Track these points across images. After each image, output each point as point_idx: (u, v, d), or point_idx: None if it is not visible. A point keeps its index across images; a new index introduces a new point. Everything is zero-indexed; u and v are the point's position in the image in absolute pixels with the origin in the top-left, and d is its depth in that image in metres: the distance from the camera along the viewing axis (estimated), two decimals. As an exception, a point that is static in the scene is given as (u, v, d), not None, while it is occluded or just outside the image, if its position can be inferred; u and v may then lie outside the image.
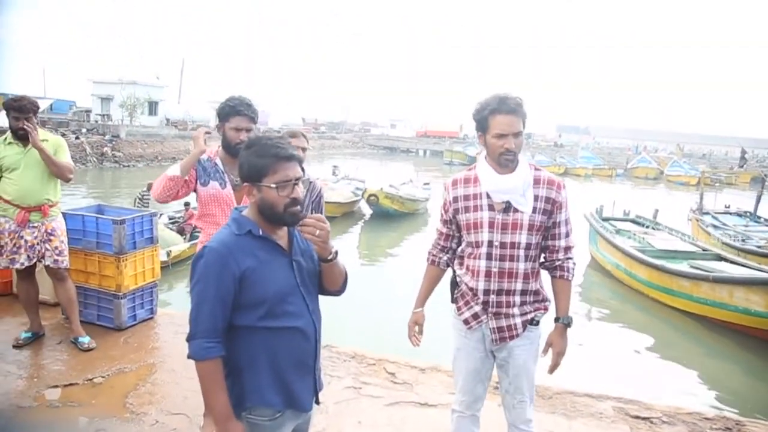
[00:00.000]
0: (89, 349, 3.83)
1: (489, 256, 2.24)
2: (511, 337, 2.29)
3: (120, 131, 30.72)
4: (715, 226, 14.10)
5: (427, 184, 20.96)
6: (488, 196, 2.25)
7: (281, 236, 1.76)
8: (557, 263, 2.31)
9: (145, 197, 11.14)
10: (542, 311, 2.33)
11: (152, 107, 38.56)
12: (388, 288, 9.87)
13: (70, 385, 3.38)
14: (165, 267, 7.90)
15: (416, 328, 2.50)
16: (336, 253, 1.78)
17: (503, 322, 2.27)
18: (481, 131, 2.24)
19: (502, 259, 2.23)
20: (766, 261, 9.99)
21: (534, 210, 2.22)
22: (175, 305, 7.42)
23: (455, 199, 2.33)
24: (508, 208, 2.22)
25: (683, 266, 9.17)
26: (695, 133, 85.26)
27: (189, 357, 1.63)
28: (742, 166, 35.69)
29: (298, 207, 1.70)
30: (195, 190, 2.86)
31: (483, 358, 2.36)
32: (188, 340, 1.64)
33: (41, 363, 3.66)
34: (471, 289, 2.30)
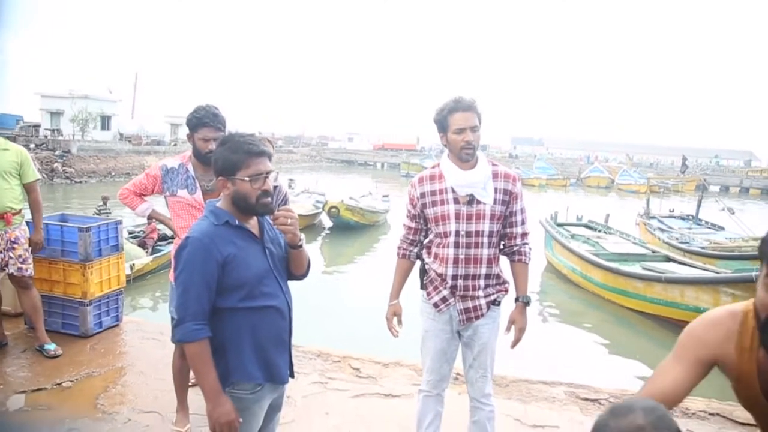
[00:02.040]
0: (55, 356, 3.84)
1: (456, 245, 2.45)
2: (477, 317, 2.50)
3: (71, 146, 29.92)
4: (661, 229, 14.86)
5: (386, 196, 21.22)
6: (453, 191, 2.46)
7: (253, 225, 1.93)
8: (515, 248, 2.55)
9: (102, 211, 10.96)
10: (503, 293, 2.56)
11: (105, 122, 37.74)
12: (351, 295, 10.03)
13: (38, 390, 3.40)
14: (126, 281, 7.82)
15: (395, 320, 2.67)
16: (303, 239, 1.97)
17: (469, 304, 2.49)
18: (442, 131, 2.46)
19: (468, 246, 2.45)
20: (710, 261, 10.61)
21: (494, 201, 2.45)
22: (141, 316, 7.36)
23: (422, 195, 2.53)
24: (471, 200, 2.45)
25: (636, 268, 9.64)
26: (643, 144, 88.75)
27: (178, 341, 1.77)
28: (683, 172, 37.68)
29: (269, 198, 1.87)
30: (166, 202, 2.98)
31: (449, 338, 2.56)
32: (176, 325, 1.78)
33: (6, 371, 3.65)
34: (440, 275, 2.50)
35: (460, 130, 2.38)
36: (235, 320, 1.83)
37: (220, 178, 1.87)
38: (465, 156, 2.41)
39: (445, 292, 2.50)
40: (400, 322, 2.69)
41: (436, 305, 2.53)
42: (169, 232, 10.54)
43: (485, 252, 2.46)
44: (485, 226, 2.44)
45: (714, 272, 8.95)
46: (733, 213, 12.73)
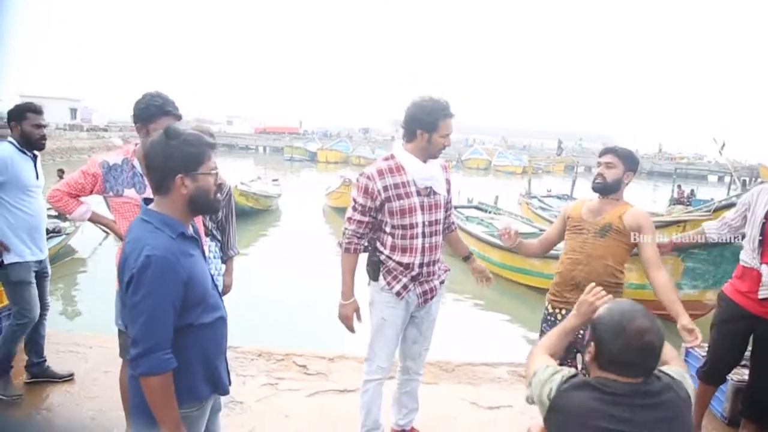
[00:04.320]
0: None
1: (423, 235, 2.56)
2: (432, 297, 2.68)
3: None
4: (542, 208, 16.01)
5: (276, 180, 20.88)
6: (415, 183, 2.52)
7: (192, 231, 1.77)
8: (449, 221, 2.84)
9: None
10: (448, 271, 2.78)
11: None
12: (257, 284, 9.69)
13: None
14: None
15: (354, 316, 2.65)
16: None
17: (427, 287, 2.65)
18: (427, 131, 2.47)
19: (431, 235, 2.59)
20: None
21: (446, 191, 2.67)
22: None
23: (385, 188, 2.50)
24: (430, 192, 2.57)
25: None
26: (516, 128, 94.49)
27: (147, 374, 1.55)
28: (559, 155, 40.92)
29: (220, 193, 1.78)
30: (107, 203, 2.64)
31: (403, 323, 2.68)
32: (143, 355, 1.54)
33: None
34: (404, 265, 2.56)
35: (446, 135, 2.51)
36: (188, 340, 1.65)
37: (179, 176, 1.62)
38: (437, 155, 2.58)
39: (405, 280, 2.59)
40: (359, 318, 2.69)
41: (398, 293, 2.59)
42: (50, 227, 9.45)
43: (440, 238, 2.69)
44: (441, 215, 2.64)
45: None
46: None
